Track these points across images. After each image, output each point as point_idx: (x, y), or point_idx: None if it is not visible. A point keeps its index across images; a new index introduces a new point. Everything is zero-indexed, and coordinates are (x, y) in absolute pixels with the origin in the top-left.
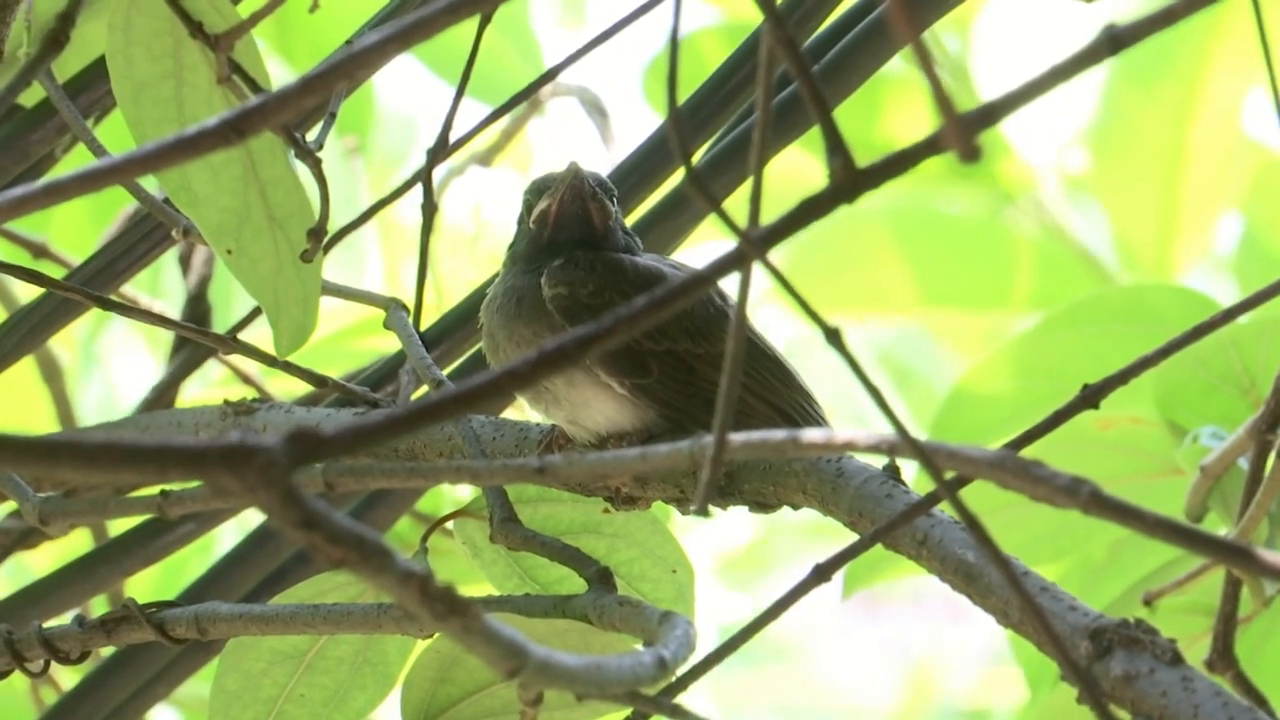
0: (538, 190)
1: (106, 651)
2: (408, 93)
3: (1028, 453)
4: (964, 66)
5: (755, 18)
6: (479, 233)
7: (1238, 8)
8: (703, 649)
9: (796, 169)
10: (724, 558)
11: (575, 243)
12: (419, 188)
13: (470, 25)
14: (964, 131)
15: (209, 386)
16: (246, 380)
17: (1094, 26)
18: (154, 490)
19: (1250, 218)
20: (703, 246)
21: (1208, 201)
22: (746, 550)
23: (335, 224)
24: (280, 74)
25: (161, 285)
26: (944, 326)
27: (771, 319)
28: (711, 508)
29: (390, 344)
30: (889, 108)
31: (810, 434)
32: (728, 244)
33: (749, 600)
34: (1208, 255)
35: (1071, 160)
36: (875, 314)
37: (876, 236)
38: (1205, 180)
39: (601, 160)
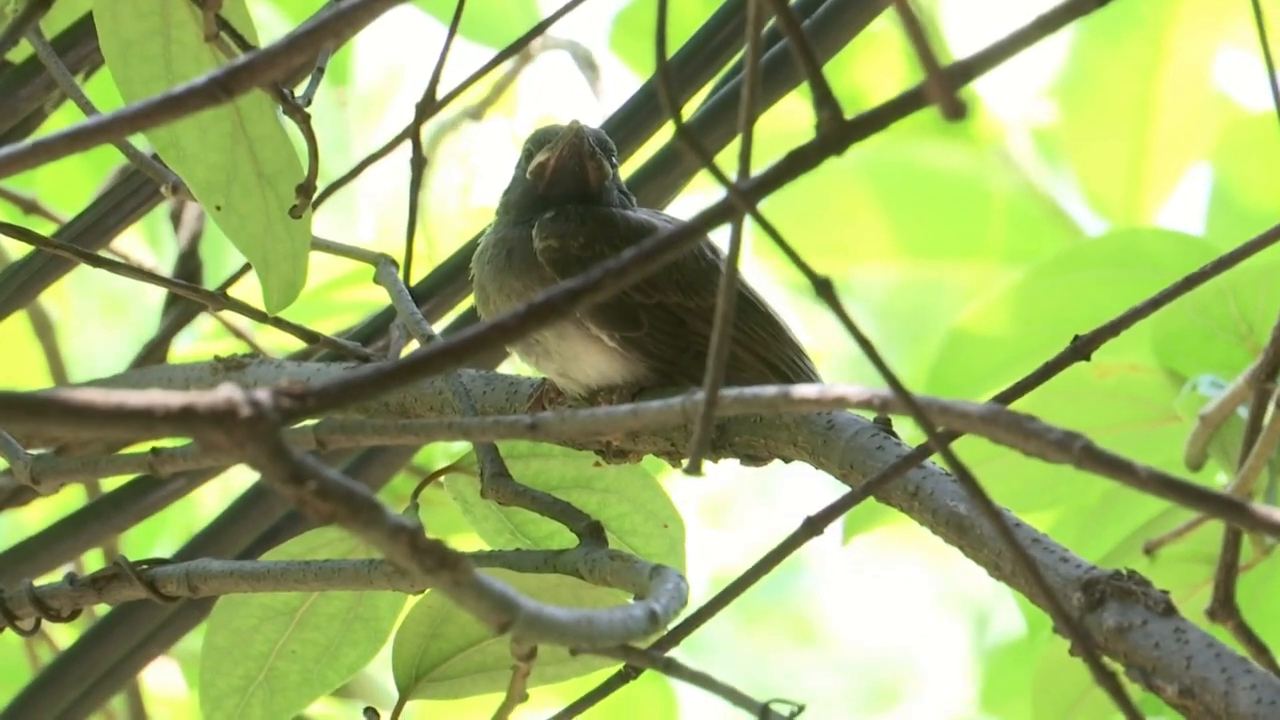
0: (538, 141)
1: (101, 609)
2: (396, 32)
3: (1022, 403)
4: (933, 14)
5: None
6: (468, 182)
7: None
8: (694, 599)
9: (790, 115)
10: (711, 499)
11: (569, 198)
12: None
13: None
14: (947, 86)
15: (200, 340)
16: (238, 335)
17: None
18: (145, 447)
19: (1221, 172)
20: (693, 197)
21: (1176, 155)
22: (733, 489)
23: (326, 175)
24: (268, 18)
25: (159, 239)
26: (923, 277)
27: (760, 271)
28: (703, 464)
29: (381, 296)
30: (862, 60)
31: (802, 390)
32: (718, 194)
33: (737, 540)
34: (1177, 208)
35: (1040, 113)
36: (854, 264)
37: (854, 189)
38: (1174, 134)
39: (591, 114)
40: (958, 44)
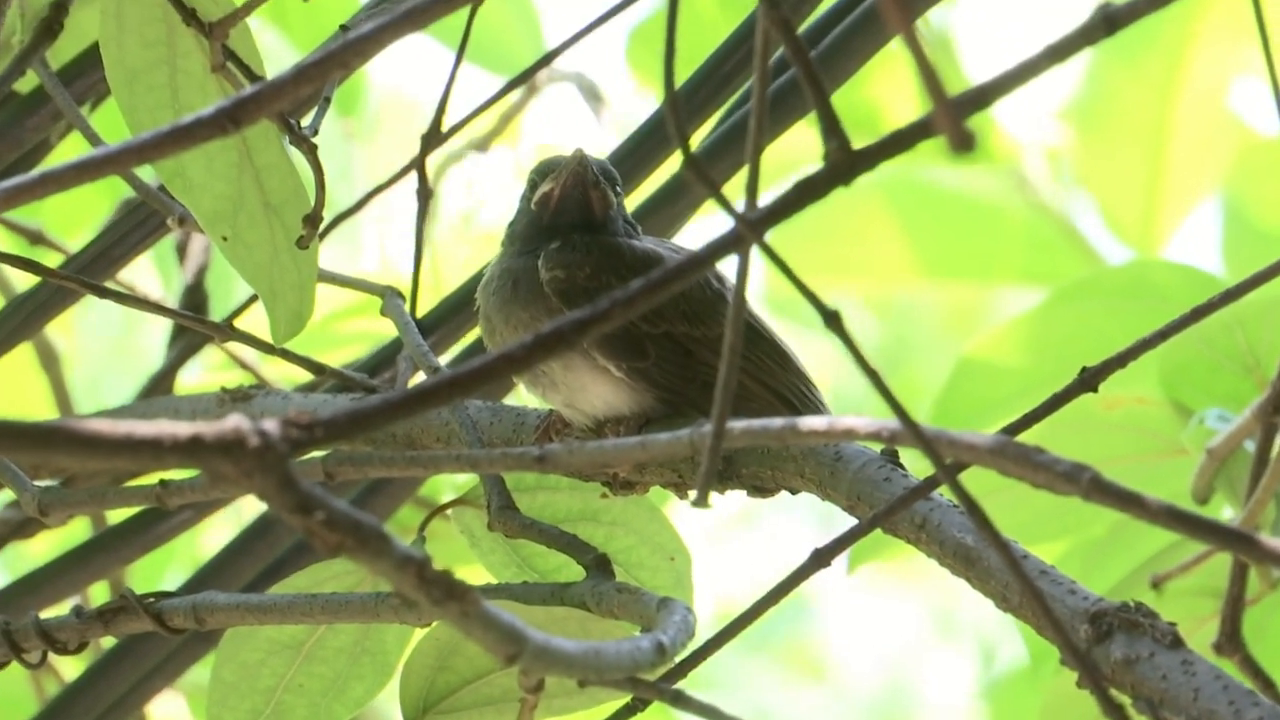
0: (543, 172)
1: (108, 642)
2: (402, 55)
3: (1029, 435)
4: (948, 40)
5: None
6: (473, 212)
7: None
8: (700, 624)
9: (798, 140)
10: (717, 523)
11: (574, 227)
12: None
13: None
14: (955, 117)
15: (207, 371)
16: (244, 366)
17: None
18: (152, 479)
19: (1236, 196)
20: (698, 224)
21: (1192, 178)
22: (739, 515)
23: (333, 205)
24: (275, 45)
25: (169, 268)
26: (937, 299)
27: (767, 296)
28: (710, 496)
29: (387, 327)
30: (877, 78)
31: (810, 422)
32: (724, 222)
33: (744, 566)
34: (1193, 232)
35: (1056, 135)
36: (869, 284)
37: (870, 208)
38: (1189, 157)
39: (597, 144)
40: (971, 61)
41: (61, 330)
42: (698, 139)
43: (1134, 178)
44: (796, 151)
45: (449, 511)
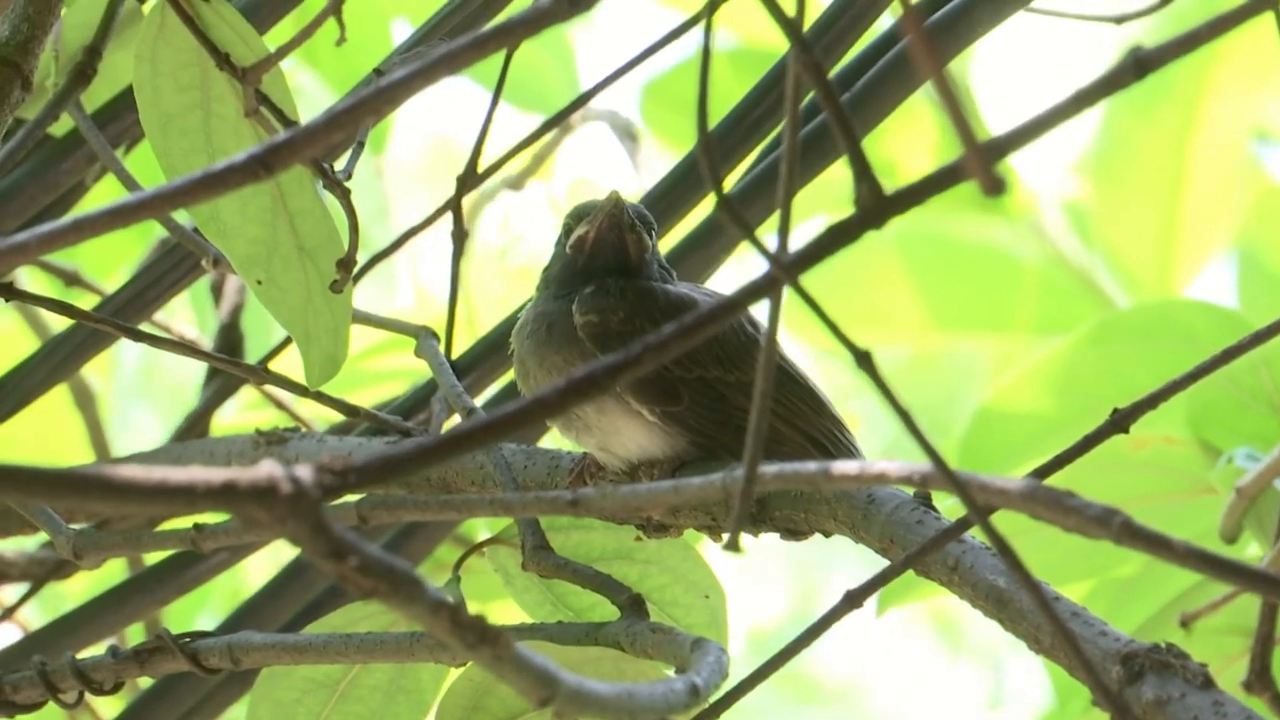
0: (578, 216)
1: (145, 682)
2: (436, 94)
3: (1057, 475)
4: (965, 84)
5: (770, 43)
6: (507, 248)
7: (1240, 32)
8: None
9: (825, 181)
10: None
11: (609, 271)
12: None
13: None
14: (985, 161)
15: (243, 411)
16: (279, 406)
17: (1095, 44)
18: (188, 522)
19: (1251, 241)
20: (725, 269)
21: (1207, 227)
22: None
23: (366, 241)
24: (309, 85)
25: (205, 308)
26: (949, 351)
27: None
28: (742, 538)
29: (422, 364)
30: (895, 132)
31: (842, 466)
32: (751, 265)
33: (779, 596)
34: (1208, 279)
35: (1072, 186)
36: (881, 338)
37: (883, 260)
38: (1205, 206)
39: (630, 183)
40: (989, 113)
41: (97, 369)
42: (729, 184)
43: (1150, 229)
44: (825, 189)
45: (484, 549)
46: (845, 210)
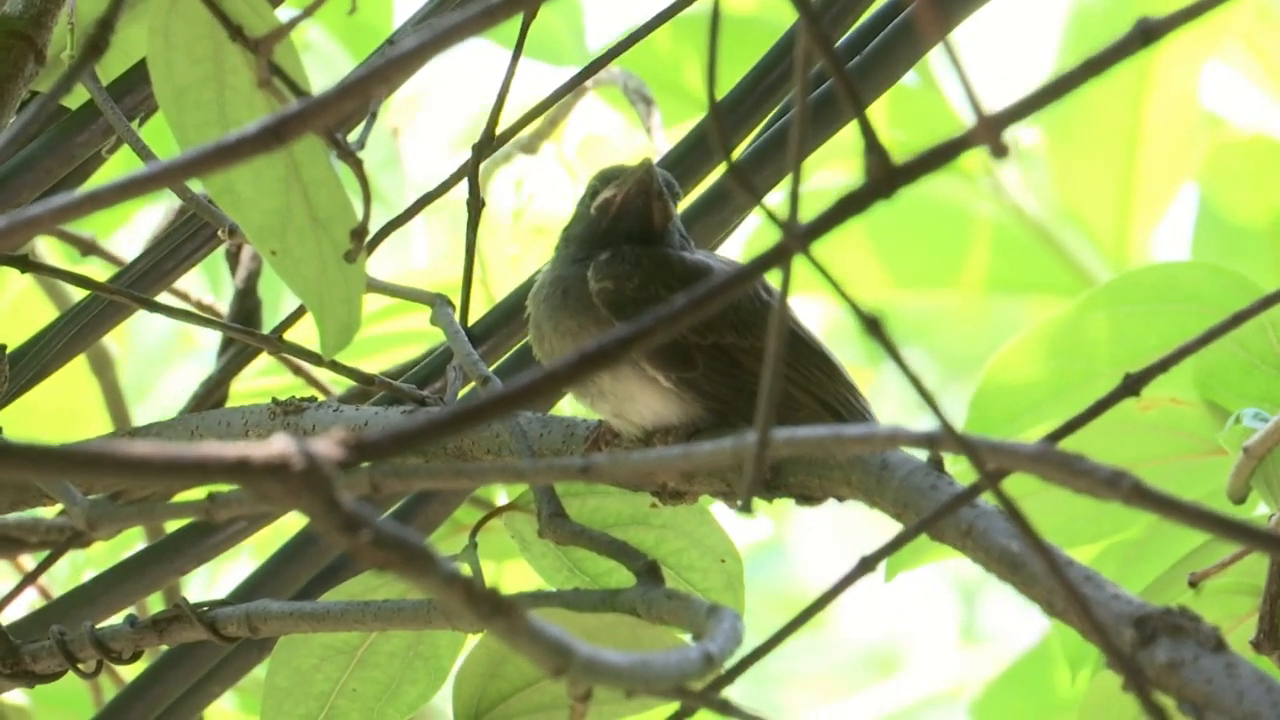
0: (605, 178)
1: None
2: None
3: (1069, 441)
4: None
5: (778, 13)
6: (521, 209)
7: None
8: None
9: (840, 147)
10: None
11: (631, 236)
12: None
13: None
14: (993, 128)
15: (260, 376)
16: (297, 372)
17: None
18: (202, 492)
19: (1207, 190)
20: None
21: (1164, 178)
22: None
23: (379, 196)
24: (323, 42)
25: (219, 277)
26: (910, 307)
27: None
28: (756, 502)
29: (437, 329)
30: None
31: (853, 429)
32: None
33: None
34: (1165, 229)
35: (1026, 139)
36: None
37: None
38: (1161, 157)
39: (644, 147)
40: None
41: (115, 335)
42: (739, 153)
43: (1106, 180)
44: (833, 149)
45: (501, 515)
46: (853, 168)
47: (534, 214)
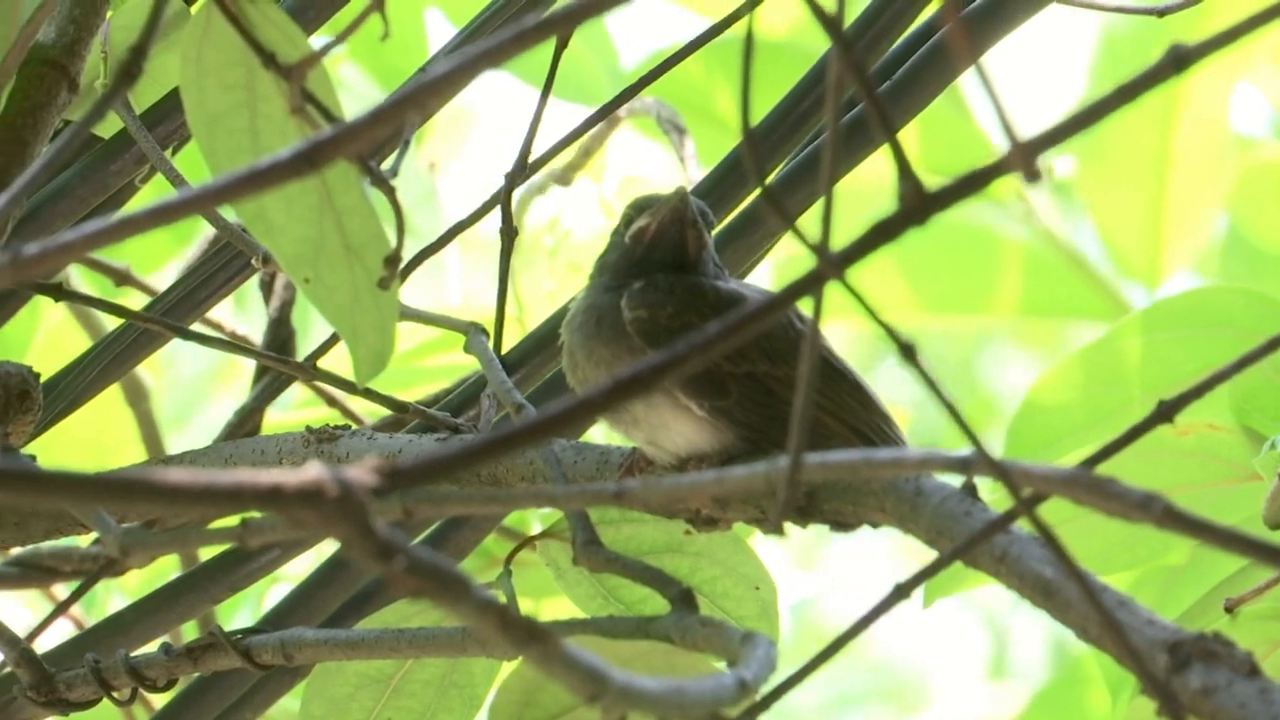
0: (639, 207)
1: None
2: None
3: (1104, 467)
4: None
5: (811, 38)
6: (557, 245)
7: (1221, 8)
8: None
9: (871, 172)
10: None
11: (665, 265)
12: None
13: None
14: (1027, 154)
15: (296, 408)
16: (332, 403)
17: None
18: (236, 519)
19: (1236, 214)
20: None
21: (1194, 203)
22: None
23: (414, 231)
24: (356, 80)
25: (247, 304)
26: (940, 331)
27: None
28: (787, 527)
29: (472, 361)
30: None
31: (884, 454)
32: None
33: (819, 579)
34: (1197, 253)
35: (1058, 165)
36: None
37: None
38: (1191, 181)
39: (678, 176)
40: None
41: (149, 365)
42: (772, 177)
43: (1136, 205)
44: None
45: (535, 544)
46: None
47: (570, 250)
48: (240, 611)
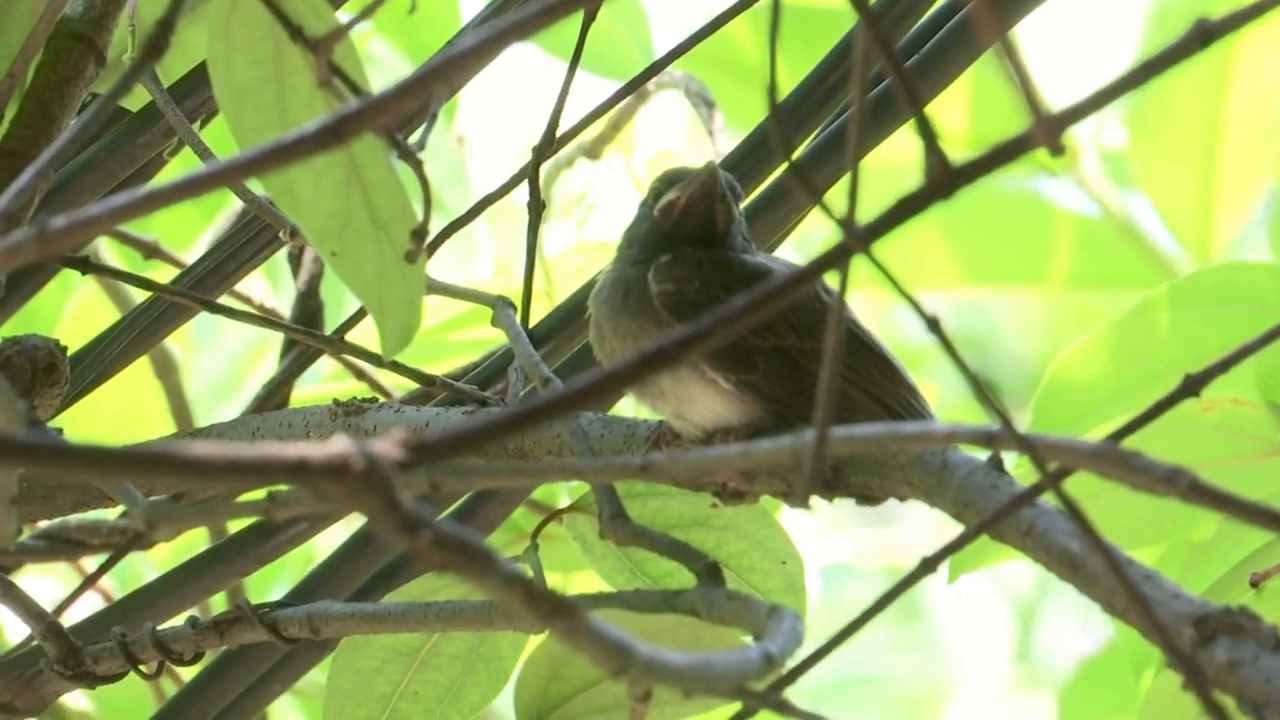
0: (669, 180)
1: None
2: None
3: (1130, 442)
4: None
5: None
6: (585, 219)
7: None
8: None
9: (898, 146)
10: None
11: (694, 238)
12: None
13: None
14: (1052, 129)
15: (319, 383)
16: (360, 376)
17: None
18: (262, 492)
19: None
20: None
21: (1246, 176)
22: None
23: (444, 208)
24: (386, 54)
25: (278, 279)
26: (990, 303)
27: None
28: (814, 500)
29: (501, 335)
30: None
31: (910, 427)
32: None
33: (848, 544)
34: (1252, 227)
35: (1110, 136)
36: (918, 290)
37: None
38: (1243, 155)
39: (706, 150)
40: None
41: (178, 338)
42: (799, 152)
43: (1188, 177)
44: (896, 150)
45: (563, 517)
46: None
47: (600, 226)
48: (277, 584)
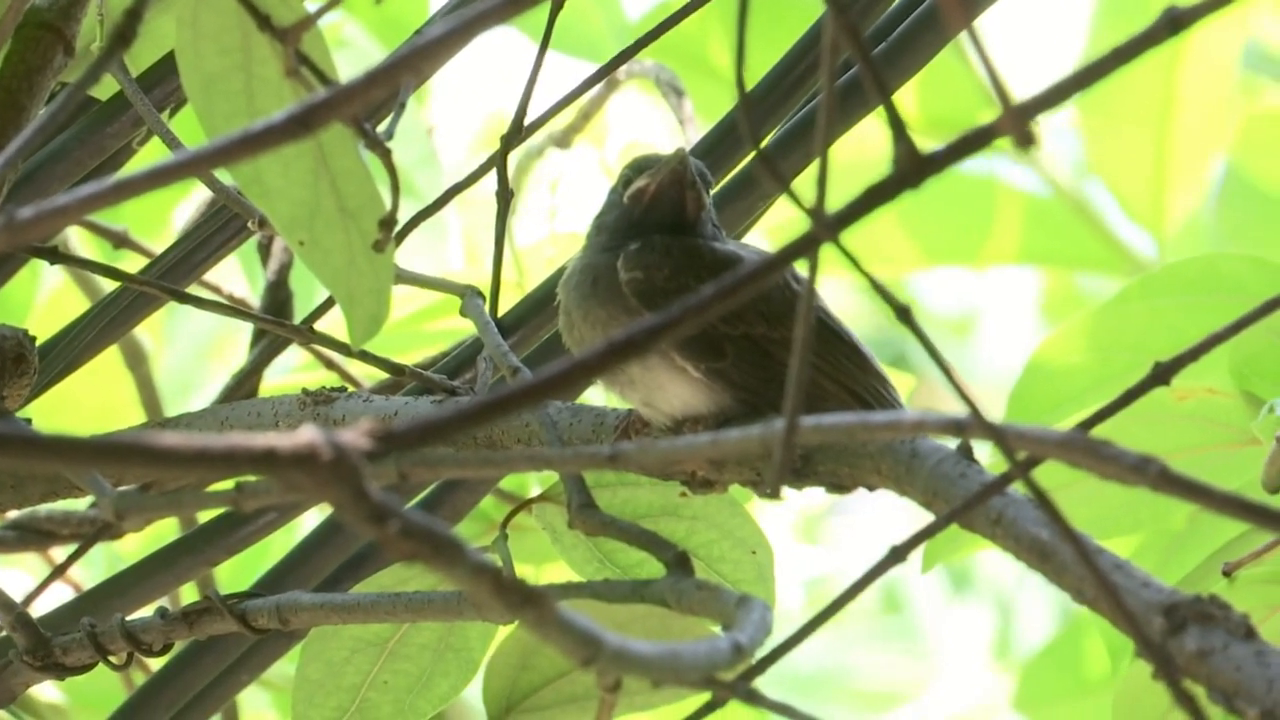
0: (638, 168)
1: None
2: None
3: (1100, 428)
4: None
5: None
6: (556, 209)
7: None
8: (789, 611)
9: (865, 133)
10: (804, 514)
11: (664, 226)
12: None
13: None
14: (1020, 119)
15: (288, 373)
16: (330, 365)
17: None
18: (231, 482)
19: (1237, 160)
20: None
21: (1199, 150)
22: (827, 507)
23: (414, 191)
24: (360, 38)
25: (254, 269)
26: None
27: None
28: (784, 489)
29: (470, 323)
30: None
31: (880, 416)
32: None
33: (830, 555)
34: (1200, 202)
35: (1060, 114)
36: (872, 269)
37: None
38: (1195, 128)
39: (676, 139)
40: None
41: (148, 328)
42: (767, 140)
43: (1140, 152)
44: (863, 141)
45: (532, 507)
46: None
47: (570, 217)
48: (257, 572)
